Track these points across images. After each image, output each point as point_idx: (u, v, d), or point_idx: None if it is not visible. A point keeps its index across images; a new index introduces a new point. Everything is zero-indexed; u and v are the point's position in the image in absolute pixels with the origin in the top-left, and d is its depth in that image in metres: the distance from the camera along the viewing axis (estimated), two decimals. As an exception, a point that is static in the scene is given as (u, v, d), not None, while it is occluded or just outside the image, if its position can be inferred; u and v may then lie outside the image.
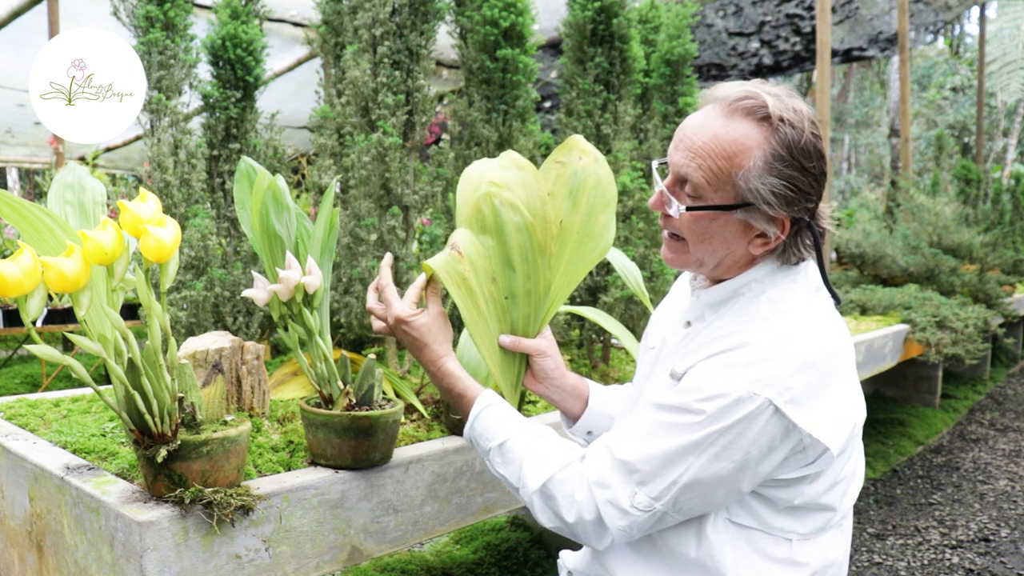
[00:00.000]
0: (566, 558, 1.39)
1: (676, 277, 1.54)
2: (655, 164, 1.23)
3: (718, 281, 1.23)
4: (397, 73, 2.16)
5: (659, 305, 1.48)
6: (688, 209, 1.15)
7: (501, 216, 1.29)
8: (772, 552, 1.15)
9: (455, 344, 1.69)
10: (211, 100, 2.31)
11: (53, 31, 4.80)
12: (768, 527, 1.15)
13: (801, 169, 1.11)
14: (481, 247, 1.29)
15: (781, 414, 1.05)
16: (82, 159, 6.53)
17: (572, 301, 2.58)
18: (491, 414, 1.24)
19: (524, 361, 1.39)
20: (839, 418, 1.11)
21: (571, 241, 1.37)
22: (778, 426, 1.06)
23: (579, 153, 1.38)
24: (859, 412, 1.17)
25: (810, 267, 1.22)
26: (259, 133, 2.39)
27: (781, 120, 1.10)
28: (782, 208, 1.11)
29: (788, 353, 1.07)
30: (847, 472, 1.19)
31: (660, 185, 1.20)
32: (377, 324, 1.35)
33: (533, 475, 1.17)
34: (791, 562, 1.15)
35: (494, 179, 1.31)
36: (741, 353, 1.09)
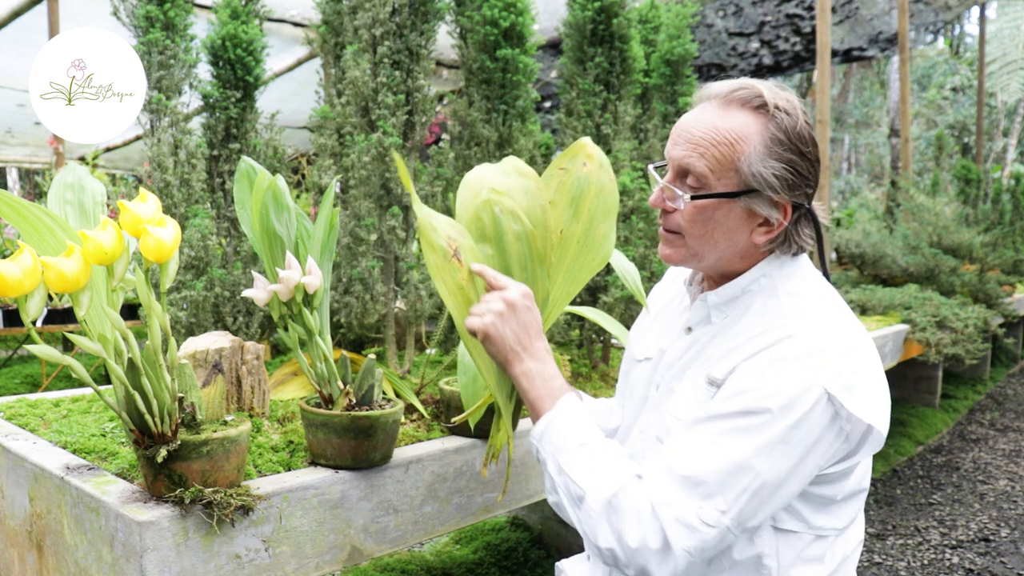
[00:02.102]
0: (566, 566, 1.38)
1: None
2: (652, 167, 1.24)
3: (722, 278, 1.23)
4: (397, 73, 2.16)
5: (641, 316, 1.47)
6: (693, 198, 1.16)
7: (501, 224, 1.26)
8: (809, 552, 1.16)
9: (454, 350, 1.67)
10: (211, 100, 2.31)
11: (53, 31, 4.80)
12: (811, 527, 1.16)
13: (799, 153, 1.14)
14: (480, 256, 1.26)
15: (833, 402, 1.06)
16: (82, 159, 6.53)
17: (572, 301, 2.58)
18: (577, 413, 1.16)
19: None
20: (881, 399, 1.12)
21: (571, 251, 1.34)
22: (828, 414, 1.07)
23: (584, 159, 1.35)
24: None
25: (808, 261, 1.24)
26: (259, 133, 2.39)
27: (776, 107, 1.14)
28: (784, 192, 1.14)
29: (832, 341, 1.09)
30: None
31: (660, 182, 1.20)
32: (473, 321, 1.21)
33: (607, 482, 1.08)
34: (821, 560, 1.17)
35: (495, 186, 1.28)
36: (788, 347, 1.08)
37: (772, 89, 1.16)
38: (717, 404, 1.10)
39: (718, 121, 1.14)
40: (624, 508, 1.06)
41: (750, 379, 1.08)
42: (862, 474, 1.19)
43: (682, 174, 1.18)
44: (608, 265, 2.53)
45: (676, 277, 1.43)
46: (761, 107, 1.14)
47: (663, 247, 1.24)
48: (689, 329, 1.26)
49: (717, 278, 1.25)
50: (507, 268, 1.28)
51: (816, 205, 1.20)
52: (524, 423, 1.86)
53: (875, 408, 1.09)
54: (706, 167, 1.14)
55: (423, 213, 1.20)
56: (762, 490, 1.06)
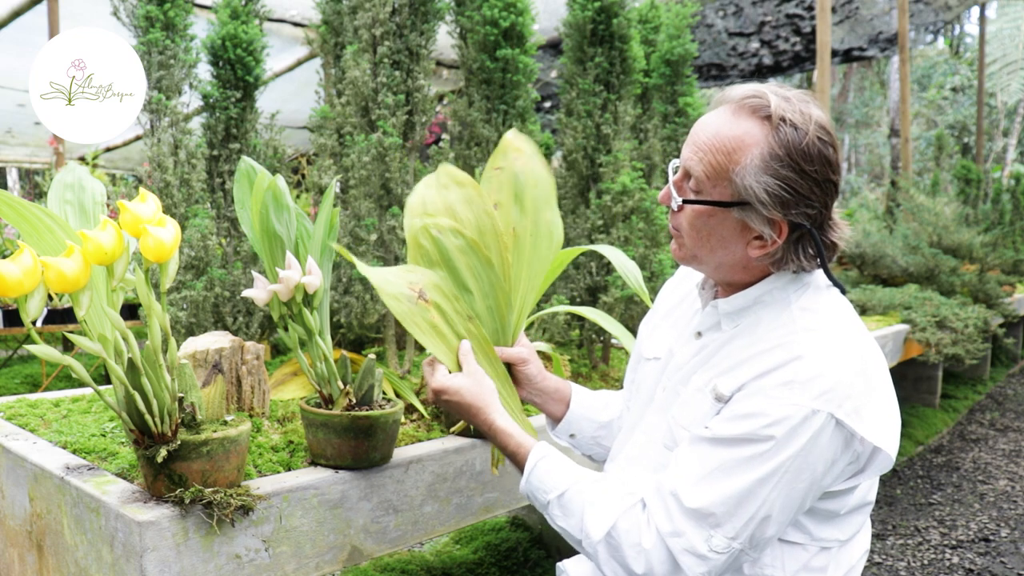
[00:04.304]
0: (568, 566, 1.38)
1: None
2: (671, 166, 1.23)
3: (730, 287, 1.22)
4: (397, 73, 2.16)
5: (650, 313, 1.46)
6: (685, 202, 1.16)
7: (442, 244, 1.28)
8: (813, 563, 1.16)
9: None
10: (211, 100, 2.32)
11: (53, 31, 4.80)
12: (815, 539, 1.15)
13: (800, 171, 1.09)
14: (438, 279, 1.27)
15: (842, 426, 1.05)
16: (82, 159, 6.53)
17: (572, 301, 2.58)
18: (546, 466, 1.20)
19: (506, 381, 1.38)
20: (890, 420, 1.11)
21: (527, 246, 1.37)
22: (839, 438, 1.06)
23: (514, 153, 1.38)
24: None
25: (823, 275, 1.21)
26: (259, 133, 2.39)
27: (783, 120, 1.09)
28: (777, 209, 1.09)
29: (842, 363, 1.07)
30: None
31: (669, 180, 1.20)
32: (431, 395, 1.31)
33: (596, 524, 1.11)
34: (824, 570, 1.17)
35: (429, 208, 1.30)
36: (796, 369, 1.06)
37: (788, 101, 1.10)
38: (723, 425, 1.09)
39: (723, 127, 1.12)
40: (621, 542, 1.09)
41: (757, 403, 1.06)
42: (867, 489, 1.18)
43: (686, 176, 1.17)
44: (609, 265, 2.53)
45: (687, 276, 1.42)
46: (767, 118, 1.10)
47: (672, 243, 1.25)
48: (699, 334, 1.25)
49: (725, 286, 1.23)
50: (462, 283, 1.29)
51: (838, 221, 1.16)
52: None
53: (884, 430, 1.08)
54: (703, 172, 1.13)
55: (373, 276, 1.20)
56: (771, 515, 1.06)
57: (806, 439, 1.03)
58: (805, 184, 1.09)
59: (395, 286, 1.21)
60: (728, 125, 1.12)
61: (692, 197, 1.16)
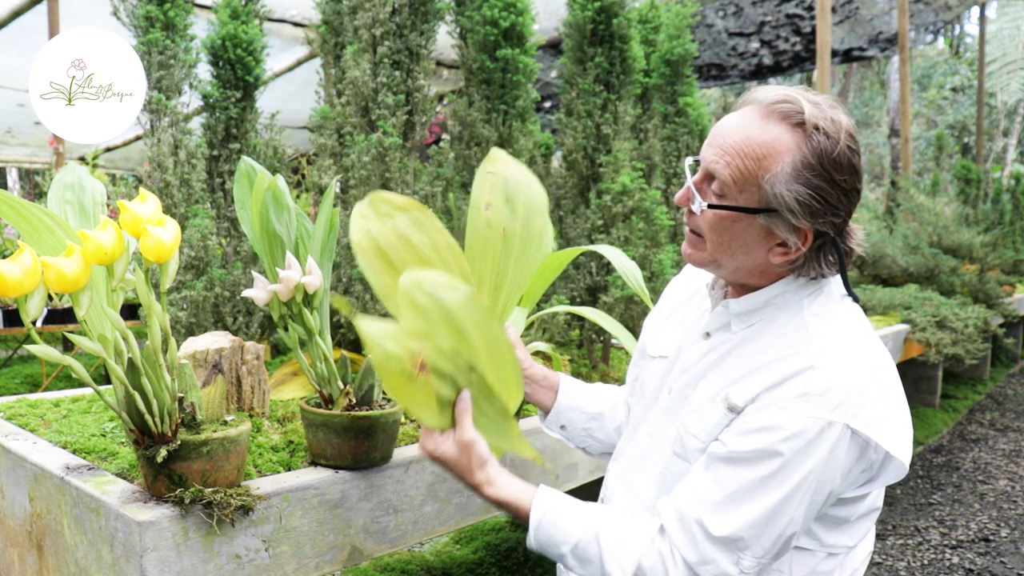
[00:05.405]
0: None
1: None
2: (688, 161, 1.20)
3: (743, 288, 1.20)
4: (397, 73, 2.16)
5: (656, 310, 1.45)
6: (710, 207, 1.13)
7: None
8: (821, 568, 1.16)
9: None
10: (211, 100, 2.32)
11: (53, 31, 4.81)
12: (824, 545, 1.15)
13: (830, 181, 1.07)
14: (440, 343, 1.10)
15: (857, 435, 1.04)
16: (82, 159, 6.53)
17: (572, 301, 2.58)
18: (551, 520, 1.15)
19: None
20: (905, 429, 1.10)
21: (515, 246, 1.36)
22: (854, 447, 1.05)
23: (503, 163, 1.38)
24: None
25: (836, 280, 1.20)
26: (259, 133, 2.39)
27: (816, 128, 1.07)
28: (805, 218, 1.08)
29: (855, 372, 1.06)
30: None
31: (688, 180, 1.17)
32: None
33: (618, 569, 1.09)
34: (831, 574, 1.17)
35: (382, 241, 1.16)
36: (811, 380, 1.05)
37: (819, 107, 1.08)
38: (738, 440, 1.08)
39: (753, 132, 1.09)
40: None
41: (772, 416, 1.06)
42: (877, 495, 1.18)
43: (708, 178, 1.14)
44: (609, 265, 2.53)
45: (696, 274, 1.40)
46: (800, 125, 1.07)
47: (685, 246, 1.21)
48: (707, 334, 1.23)
49: (737, 288, 1.22)
50: (463, 334, 1.13)
51: (853, 227, 1.15)
52: (524, 423, 1.86)
53: (898, 438, 1.08)
54: (730, 177, 1.10)
55: (369, 331, 1.01)
56: (797, 530, 1.07)
57: (825, 452, 1.03)
58: (835, 193, 1.08)
59: (400, 363, 1.04)
60: (758, 130, 1.09)
61: (716, 201, 1.13)
